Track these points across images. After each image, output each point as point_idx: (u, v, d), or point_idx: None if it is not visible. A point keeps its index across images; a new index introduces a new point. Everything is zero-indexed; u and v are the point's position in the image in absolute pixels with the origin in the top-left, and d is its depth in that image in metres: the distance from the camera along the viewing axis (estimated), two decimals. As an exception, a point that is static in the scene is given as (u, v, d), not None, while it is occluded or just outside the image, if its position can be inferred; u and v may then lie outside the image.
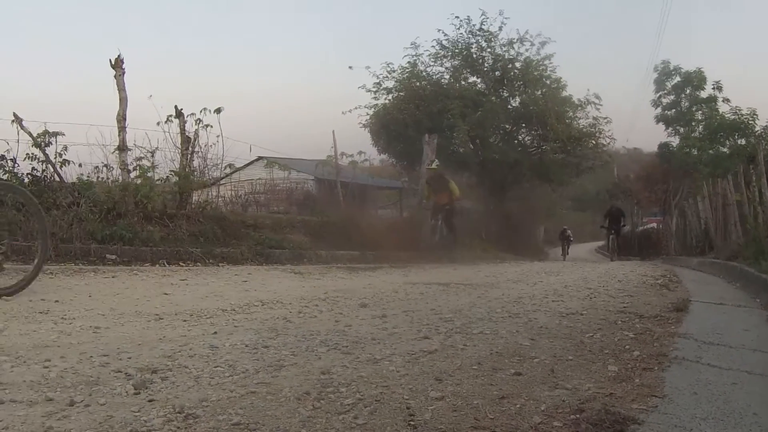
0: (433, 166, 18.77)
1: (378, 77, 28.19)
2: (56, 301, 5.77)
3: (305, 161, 24.23)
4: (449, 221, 18.22)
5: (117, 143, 11.29)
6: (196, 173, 12.58)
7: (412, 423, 2.65)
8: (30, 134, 10.48)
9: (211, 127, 12.55)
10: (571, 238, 36.82)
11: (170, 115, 12.17)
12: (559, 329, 5.07)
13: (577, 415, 2.79)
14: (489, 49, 28.17)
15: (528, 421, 2.73)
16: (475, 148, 28.48)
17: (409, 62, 28.28)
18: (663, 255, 28.90)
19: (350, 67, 31.81)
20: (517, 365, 3.74)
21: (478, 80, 28.93)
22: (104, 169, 11.30)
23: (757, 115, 30.50)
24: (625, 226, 30.84)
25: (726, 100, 33.25)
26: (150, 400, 2.82)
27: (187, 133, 12.37)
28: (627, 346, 4.37)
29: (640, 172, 42.19)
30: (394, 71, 28.18)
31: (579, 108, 29.15)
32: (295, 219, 15.12)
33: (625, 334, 4.84)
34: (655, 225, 41.57)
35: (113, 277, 7.90)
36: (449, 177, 18.95)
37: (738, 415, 2.87)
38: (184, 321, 5.06)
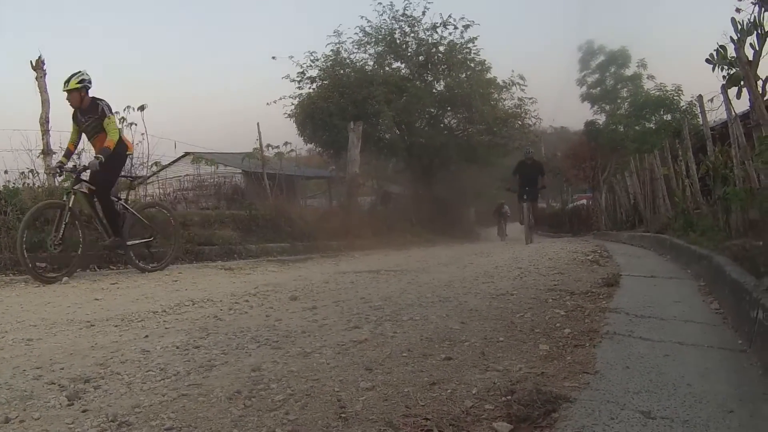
0: (74, 83, 9.26)
1: (302, 66, 28.07)
2: (-13, 314, 5.62)
3: (232, 155, 24.09)
4: (104, 199, 9.49)
5: (42, 147, 11.13)
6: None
7: (343, 415, 2.67)
8: (-49, 145, 10.23)
9: (136, 125, 12.46)
10: (509, 214, 34.18)
11: (94, 115, 11.98)
12: (490, 311, 5.11)
13: (509, 397, 2.82)
14: (412, 34, 28.32)
15: (459, 405, 2.76)
16: (401, 133, 28.64)
17: (332, 50, 28.28)
18: (594, 231, 29.34)
19: (274, 58, 31.50)
20: (448, 350, 3.77)
21: (402, 66, 29.02)
22: (30, 174, 11.09)
23: (681, 91, 31.38)
24: (545, 187, 20.49)
25: (651, 77, 34.11)
26: (84, 411, 2.81)
27: (111, 133, 12.18)
28: (558, 324, 4.43)
29: (567, 151, 42.69)
30: (317, 60, 28.11)
31: (504, 89, 29.61)
32: (224, 214, 14.98)
33: (556, 312, 4.91)
34: (585, 201, 42.14)
35: (44, 285, 7.80)
36: (107, 106, 9.46)
37: (672, 386, 2.92)
38: (116, 326, 5.00)
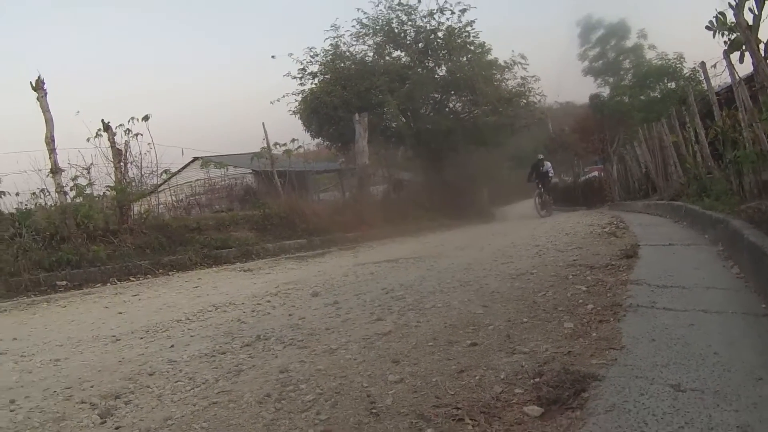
0: None
1: (302, 63, 27.97)
2: (14, 339, 5.64)
3: (241, 155, 24.07)
4: None
5: (50, 166, 11.16)
6: (133, 184, 12.46)
7: (374, 411, 2.67)
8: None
9: (141, 135, 12.45)
10: (551, 174, 27.77)
11: (99, 130, 12.06)
12: (511, 292, 5.10)
13: (537, 379, 2.81)
14: (410, 23, 28.20)
15: (489, 392, 2.74)
16: (407, 120, 28.52)
17: (331, 44, 28.10)
18: (608, 202, 29.20)
19: (273, 57, 31.55)
20: (473, 335, 3.76)
21: (402, 54, 28.86)
22: (41, 194, 11.13)
23: (684, 58, 31.29)
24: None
25: (652, 47, 34.13)
26: (117, 428, 2.82)
27: (117, 146, 12.23)
28: (580, 301, 4.41)
29: (574, 125, 42.47)
30: (317, 55, 27.95)
31: (506, 69, 29.43)
32: (237, 216, 15.04)
33: (578, 288, 4.90)
34: (596, 173, 41.95)
35: (66, 304, 7.79)
36: None
37: (699, 357, 2.89)
38: (141, 338, 5.01)
